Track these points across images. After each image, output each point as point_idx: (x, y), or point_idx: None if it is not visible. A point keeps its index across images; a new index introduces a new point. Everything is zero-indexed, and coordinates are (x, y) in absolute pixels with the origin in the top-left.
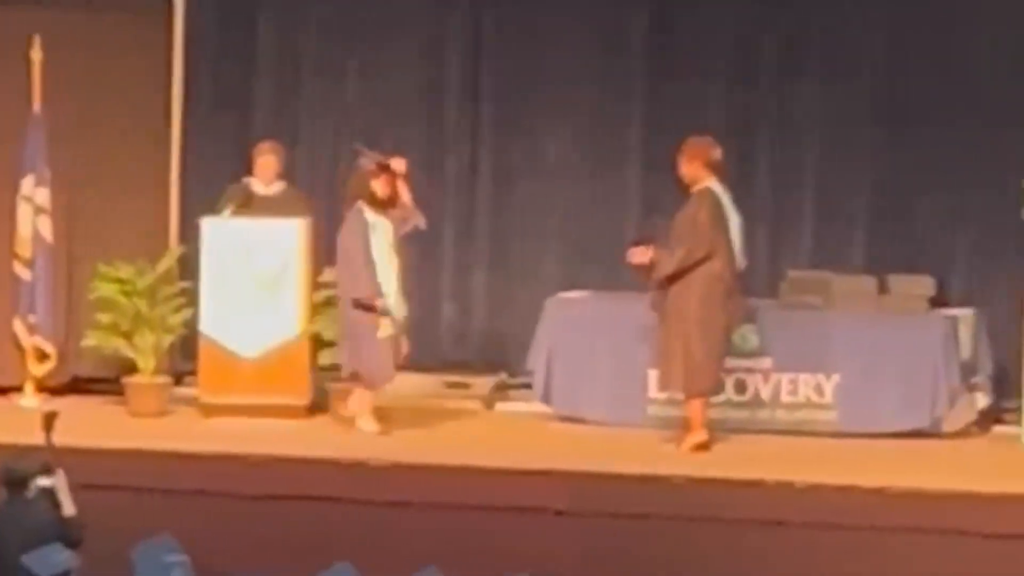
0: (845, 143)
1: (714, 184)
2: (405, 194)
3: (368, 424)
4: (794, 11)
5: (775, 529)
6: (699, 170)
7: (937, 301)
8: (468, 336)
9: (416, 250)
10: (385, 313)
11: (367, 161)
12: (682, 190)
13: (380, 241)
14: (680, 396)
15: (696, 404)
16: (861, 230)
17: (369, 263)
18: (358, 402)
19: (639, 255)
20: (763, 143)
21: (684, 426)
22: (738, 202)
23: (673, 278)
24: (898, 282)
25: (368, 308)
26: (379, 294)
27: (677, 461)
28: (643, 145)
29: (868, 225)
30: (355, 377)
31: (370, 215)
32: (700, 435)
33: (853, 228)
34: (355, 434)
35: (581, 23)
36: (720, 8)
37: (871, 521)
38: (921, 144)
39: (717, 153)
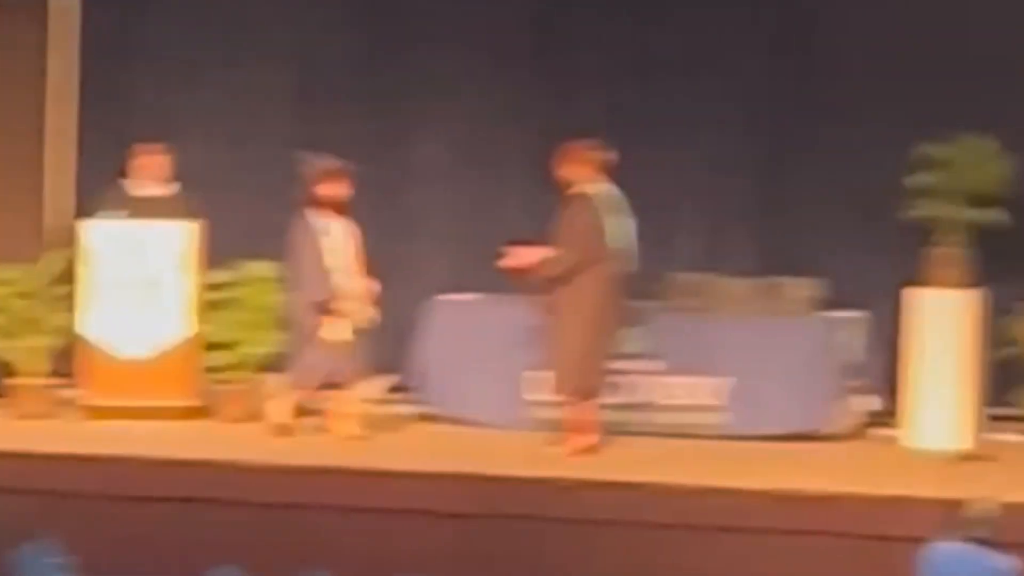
0: (731, 146)
1: (595, 187)
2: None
3: (271, 422)
4: (671, 13)
5: (662, 531)
6: (577, 173)
7: (823, 304)
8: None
9: None
10: (339, 316)
11: (310, 167)
12: (561, 193)
13: (335, 245)
14: (571, 398)
15: (586, 407)
16: (747, 232)
17: (319, 266)
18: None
19: (526, 256)
20: (647, 145)
21: (570, 428)
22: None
23: (559, 281)
24: (785, 285)
25: (322, 311)
26: (329, 296)
27: (566, 464)
28: (526, 148)
29: (754, 228)
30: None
31: (318, 220)
32: (589, 437)
33: (739, 230)
34: (241, 436)
35: (462, 27)
36: (601, 9)
37: (755, 523)
38: (805, 146)
39: (597, 155)
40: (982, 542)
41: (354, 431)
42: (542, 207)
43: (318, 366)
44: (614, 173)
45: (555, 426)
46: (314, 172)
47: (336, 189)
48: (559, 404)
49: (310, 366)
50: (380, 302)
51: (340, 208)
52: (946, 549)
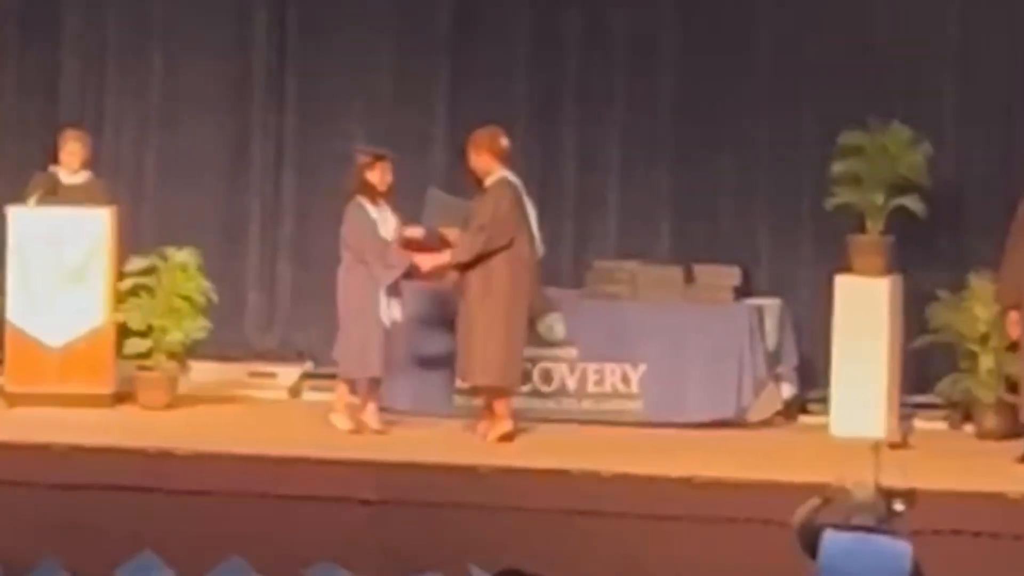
0: (648, 131)
1: (508, 174)
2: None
3: (340, 421)
4: (596, 1)
5: (581, 519)
6: (490, 161)
7: (742, 291)
8: (273, 325)
9: (221, 236)
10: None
11: (362, 155)
12: (475, 182)
13: (386, 230)
14: (496, 386)
15: (499, 392)
16: (666, 220)
17: (384, 250)
18: (336, 396)
19: (435, 257)
20: (567, 130)
21: (487, 416)
22: (544, 190)
23: (469, 266)
24: (703, 272)
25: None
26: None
27: (483, 451)
28: (447, 131)
29: (673, 215)
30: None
31: (371, 208)
32: (506, 425)
33: (658, 218)
34: (157, 423)
35: (384, 10)
36: None
37: (678, 511)
38: (724, 133)
39: (504, 142)
40: (870, 529)
41: (374, 424)
42: (462, 191)
43: (371, 355)
44: (535, 158)
45: (479, 414)
46: (363, 159)
47: (383, 176)
48: (476, 391)
49: (363, 355)
50: None
51: (386, 195)
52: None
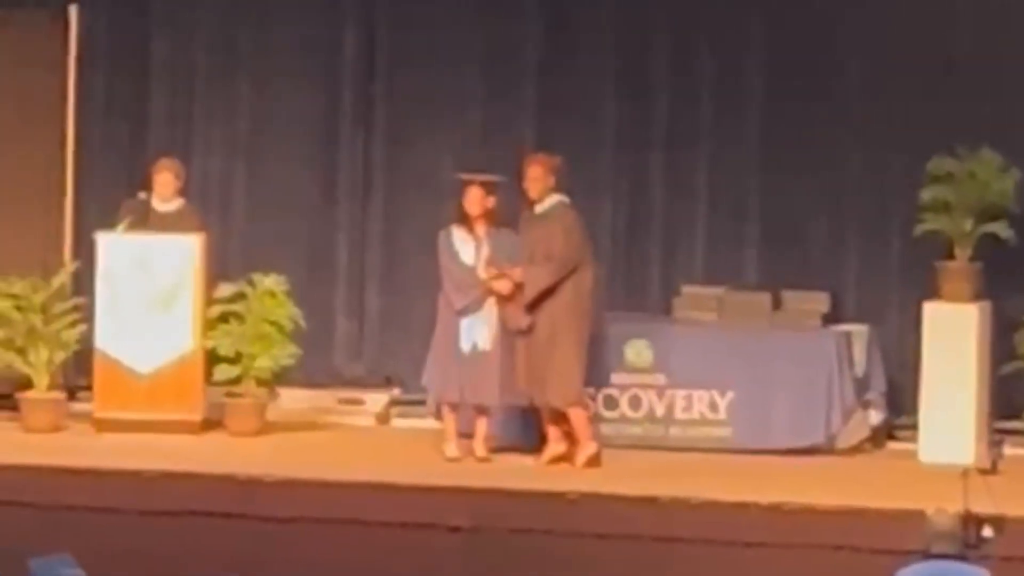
0: (736, 157)
1: (565, 197)
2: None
3: (448, 448)
4: (683, 29)
5: (670, 545)
6: (552, 184)
7: (830, 317)
8: (362, 352)
9: (309, 264)
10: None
11: (458, 180)
12: (528, 202)
13: (473, 256)
14: (571, 407)
15: (579, 415)
16: (754, 246)
17: (456, 276)
18: (445, 423)
19: (503, 285)
20: (655, 156)
21: (573, 438)
22: (632, 217)
23: (547, 292)
24: (791, 298)
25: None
26: (467, 305)
27: (573, 477)
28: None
29: (761, 241)
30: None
31: (460, 235)
32: (591, 447)
33: (746, 244)
34: (246, 450)
35: (471, 40)
36: (612, 24)
37: (767, 538)
38: (812, 159)
39: (564, 167)
40: (949, 556)
41: (480, 452)
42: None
43: (453, 380)
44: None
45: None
46: (459, 186)
47: (475, 202)
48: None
49: (447, 380)
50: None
51: (486, 220)
52: (916, 571)
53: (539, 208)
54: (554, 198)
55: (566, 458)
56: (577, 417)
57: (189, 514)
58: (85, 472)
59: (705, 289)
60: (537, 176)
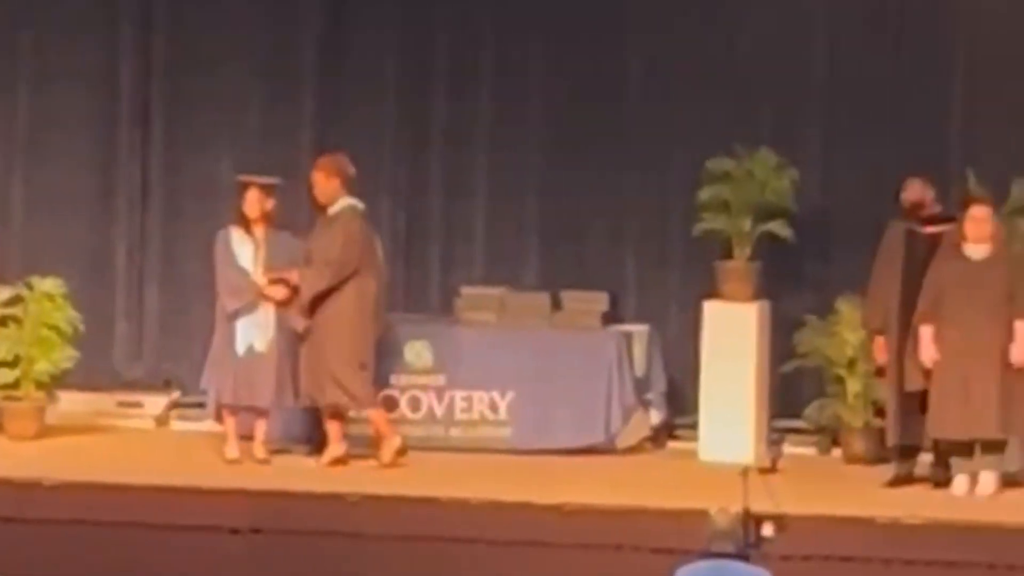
0: (515, 158)
1: (354, 201)
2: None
3: (228, 450)
4: (463, 30)
5: (452, 546)
6: (338, 188)
7: (610, 317)
8: (141, 354)
9: (88, 266)
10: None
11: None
12: (318, 207)
13: (248, 261)
14: (364, 408)
15: (377, 414)
16: (533, 247)
17: (230, 277)
18: (225, 425)
19: (276, 290)
20: (434, 158)
21: (372, 443)
22: (411, 218)
23: (326, 294)
24: (571, 298)
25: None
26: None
27: (353, 479)
28: (310, 164)
29: (540, 241)
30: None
31: (238, 237)
32: (395, 441)
33: (526, 244)
34: (25, 453)
35: (250, 41)
36: (392, 25)
37: (548, 537)
38: (592, 160)
39: (352, 170)
40: (730, 555)
41: (259, 454)
42: None
43: (231, 382)
44: (404, 185)
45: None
46: (238, 187)
47: (253, 204)
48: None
49: (225, 382)
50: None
51: (264, 222)
52: (695, 570)
53: (331, 211)
54: (344, 202)
55: (344, 460)
56: (376, 416)
57: None
58: None
59: (485, 290)
60: (318, 181)
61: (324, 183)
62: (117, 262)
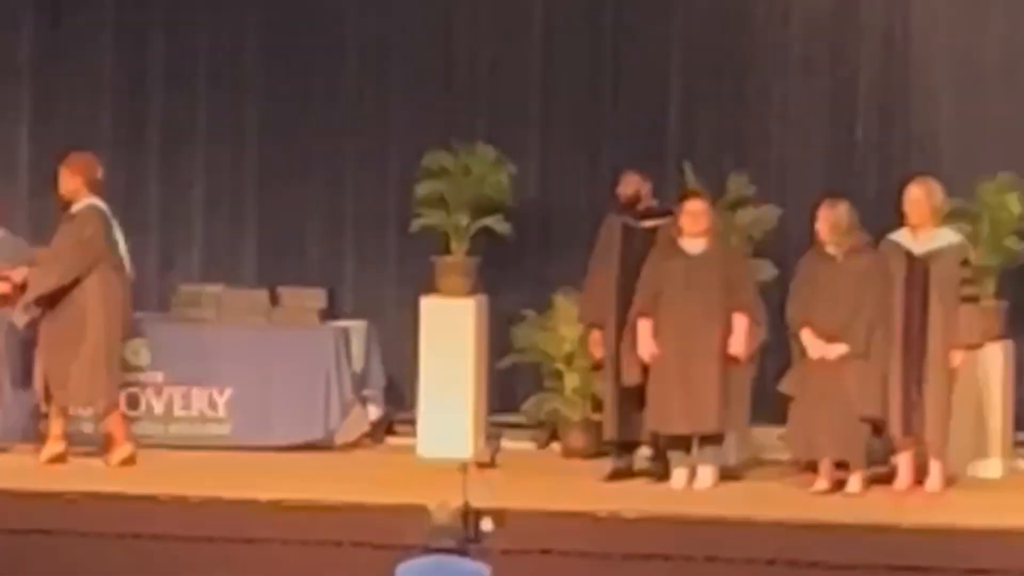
0: (233, 156)
1: (96, 201)
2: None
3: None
4: (179, 27)
5: (172, 544)
6: (81, 187)
7: (328, 313)
8: None
9: None
10: None
11: None
12: (62, 205)
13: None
14: (103, 409)
15: (114, 417)
16: (252, 244)
17: None
18: None
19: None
20: (151, 156)
21: (107, 443)
22: (128, 215)
23: (56, 295)
24: (288, 295)
25: None
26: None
27: (73, 477)
28: (29, 162)
29: (258, 239)
30: None
31: None
32: (127, 448)
33: (244, 242)
34: None
35: None
36: (109, 21)
37: (268, 534)
38: (310, 157)
39: (99, 171)
40: (450, 550)
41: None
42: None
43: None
44: (120, 183)
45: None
46: None
47: None
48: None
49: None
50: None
51: None
52: (416, 566)
53: (72, 210)
54: (86, 201)
55: (63, 458)
56: (113, 419)
57: None
58: None
59: (202, 287)
60: (62, 178)
61: (67, 180)
62: None
